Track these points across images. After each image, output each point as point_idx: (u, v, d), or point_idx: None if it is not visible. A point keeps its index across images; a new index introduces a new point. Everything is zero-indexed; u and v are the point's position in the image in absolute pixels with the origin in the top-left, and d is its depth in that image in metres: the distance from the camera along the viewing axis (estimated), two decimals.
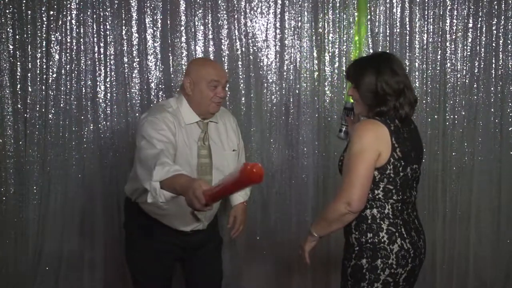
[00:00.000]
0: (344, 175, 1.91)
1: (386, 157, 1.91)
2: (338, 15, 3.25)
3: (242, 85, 3.25)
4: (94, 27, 3.17)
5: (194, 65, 2.36)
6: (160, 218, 2.35)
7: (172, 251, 2.41)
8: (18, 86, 3.15)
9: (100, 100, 3.21)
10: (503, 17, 3.28)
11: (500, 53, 3.30)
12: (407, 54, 3.28)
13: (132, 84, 3.22)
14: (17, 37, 3.12)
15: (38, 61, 3.15)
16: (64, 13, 3.14)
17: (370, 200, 1.94)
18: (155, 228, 2.37)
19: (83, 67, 3.18)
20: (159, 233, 2.36)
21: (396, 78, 1.96)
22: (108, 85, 3.21)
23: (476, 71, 3.31)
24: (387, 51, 3.24)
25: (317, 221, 2.03)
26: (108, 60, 3.19)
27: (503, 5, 3.26)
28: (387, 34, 3.27)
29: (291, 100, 3.29)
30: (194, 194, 1.62)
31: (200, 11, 3.20)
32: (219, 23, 3.22)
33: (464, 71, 3.31)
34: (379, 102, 1.95)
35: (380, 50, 3.24)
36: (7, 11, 3.11)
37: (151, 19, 3.19)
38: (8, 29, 3.12)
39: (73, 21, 3.15)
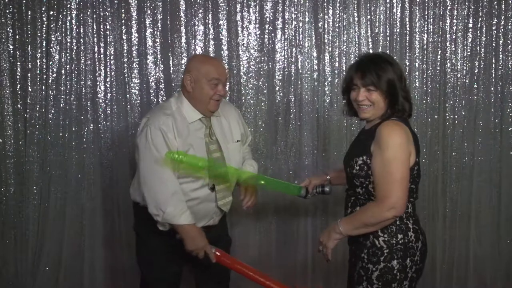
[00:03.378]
0: (383, 180, 1.88)
1: (414, 158, 1.93)
2: (338, 15, 3.25)
3: (242, 85, 3.25)
4: (94, 27, 3.17)
5: (194, 62, 2.33)
6: None
7: (181, 251, 2.38)
8: (18, 86, 3.16)
9: (100, 100, 3.21)
10: (503, 17, 3.28)
11: (500, 53, 3.30)
12: (407, 54, 3.28)
13: (132, 84, 3.22)
14: (17, 37, 3.12)
15: (38, 61, 3.15)
16: (64, 13, 3.14)
17: None
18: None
19: (83, 67, 3.18)
20: (169, 233, 2.33)
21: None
22: (108, 85, 3.21)
23: (476, 71, 3.31)
24: (387, 51, 3.25)
25: (349, 222, 1.98)
26: (108, 60, 3.19)
27: (503, 5, 3.26)
28: (387, 34, 3.27)
29: (292, 100, 3.29)
30: (203, 249, 2.24)
31: (200, 11, 3.20)
32: (219, 23, 3.21)
33: (464, 71, 3.31)
34: (404, 96, 1.96)
35: (380, 50, 3.25)
36: (7, 11, 3.11)
37: (151, 19, 3.19)
38: (8, 29, 3.12)
39: (73, 21, 3.15)
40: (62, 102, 3.19)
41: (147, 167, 2.21)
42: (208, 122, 2.36)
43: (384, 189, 1.87)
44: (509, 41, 3.29)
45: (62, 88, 3.18)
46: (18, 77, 3.15)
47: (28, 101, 3.16)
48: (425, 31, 3.27)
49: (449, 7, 3.27)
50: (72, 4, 3.14)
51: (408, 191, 1.93)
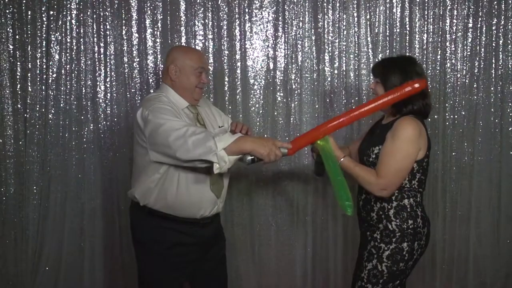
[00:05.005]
0: (387, 164, 2.11)
1: (424, 152, 2.16)
2: (338, 15, 3.25)
3: (241, 85, 3.25)
4: (94, 27, 3.17)
5: (178, 52, 2.38)
6: (180, 210, 2.28)
7: (185, 253, 2.34)
8: (18, 86, 3.16)
9: (100, 100, 3.21)
10: (503, 17, 3.28)
11: (500, 53, 3.31)
12: (407, 54, 3.27)
13: (132, 84, 3.22)
14: (17, 37, 3.13)
15: (38, 61, 3.15)
16: (64, 13, 3.14)
17: (407, 191, 2.19)
18: (168, 229, 2.29)
19: (83, 67, 3.18)
20: (173, 233, 2.29)
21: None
22: (108, 85, 3.21)
23: (476, 71, 3.31)
24: (387, 51, 3.26)
25: (351, 167, 2.19)
26: (108, 60, 3.20)
27: (503, 5, 3.26)
28: (387, 34, 3.27)
29: (292, 100, 3.29)
30: (274, 144, 2.04)
31: (200, 11, 3.20)
32: (219, 23, 3.22)
33: (464, 71, 3.32)
34: (406, 102, 2.16)
35: (380, 50, 3.25)
36: (7, 11, 3.11)
37: (151, 19, 3.19)
38: (8, 29, 3.12)
39: (73, 21, 3.15)
40: (62, 102, 3.19)
41: (172, 127, 2.07)
42: (195, 110, 2.42)
43: (385, 170, 2.12)
44: (509, 41, 3.29)
45: (62, 88, 3.18)
46: (18, 77, 3.15)
47: (28, 101, 3.16)
48: (425, 31, 3.28)
49: (449, 7, 3.27)
50: (72, 4, 3.14)
51: (419, 182, 2.19)
